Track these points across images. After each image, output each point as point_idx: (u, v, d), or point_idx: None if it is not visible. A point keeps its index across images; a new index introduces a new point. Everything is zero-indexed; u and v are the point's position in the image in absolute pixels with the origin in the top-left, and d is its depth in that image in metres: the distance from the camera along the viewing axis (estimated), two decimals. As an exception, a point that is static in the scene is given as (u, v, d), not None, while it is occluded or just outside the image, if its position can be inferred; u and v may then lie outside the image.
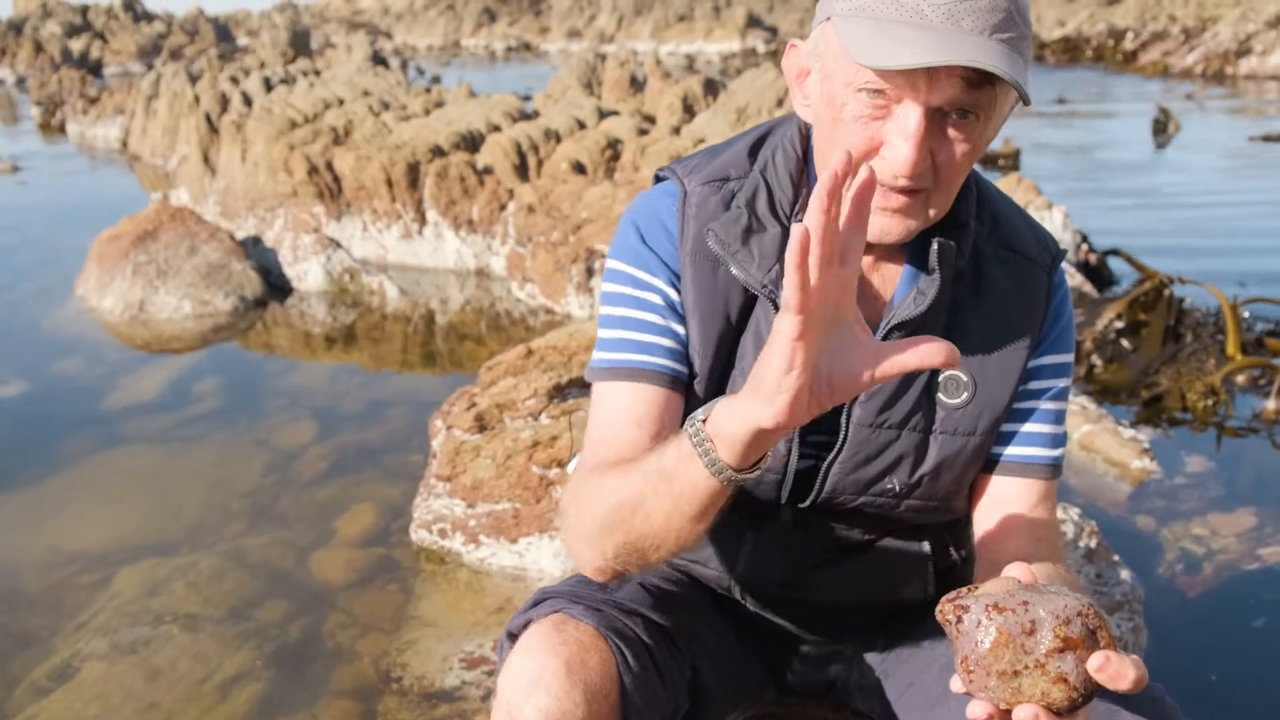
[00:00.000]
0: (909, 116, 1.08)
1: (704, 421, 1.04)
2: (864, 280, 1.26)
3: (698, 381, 1.27)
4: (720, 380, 1.28)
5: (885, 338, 1.23)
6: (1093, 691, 0.89)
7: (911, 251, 1.26)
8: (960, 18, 1.04)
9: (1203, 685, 2.32)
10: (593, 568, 1.20)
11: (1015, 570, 0.98)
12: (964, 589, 0.96)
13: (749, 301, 1.26)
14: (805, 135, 1.30)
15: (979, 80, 1.07)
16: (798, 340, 0.91)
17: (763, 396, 0.95)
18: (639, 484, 1.11)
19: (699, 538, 1.12)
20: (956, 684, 0.94)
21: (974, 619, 0.91)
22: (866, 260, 1.26)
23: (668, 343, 1.27)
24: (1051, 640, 0.89)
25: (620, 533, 1.13)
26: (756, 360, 0.98)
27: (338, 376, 4.44)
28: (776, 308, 1.22)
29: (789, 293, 0.89)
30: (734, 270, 1.24)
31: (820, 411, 0.98)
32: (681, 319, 1.28)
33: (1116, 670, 0.88)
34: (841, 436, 1.28)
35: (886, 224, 1.16)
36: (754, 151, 1.33)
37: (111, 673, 2.35)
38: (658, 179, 1.38)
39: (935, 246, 1.22)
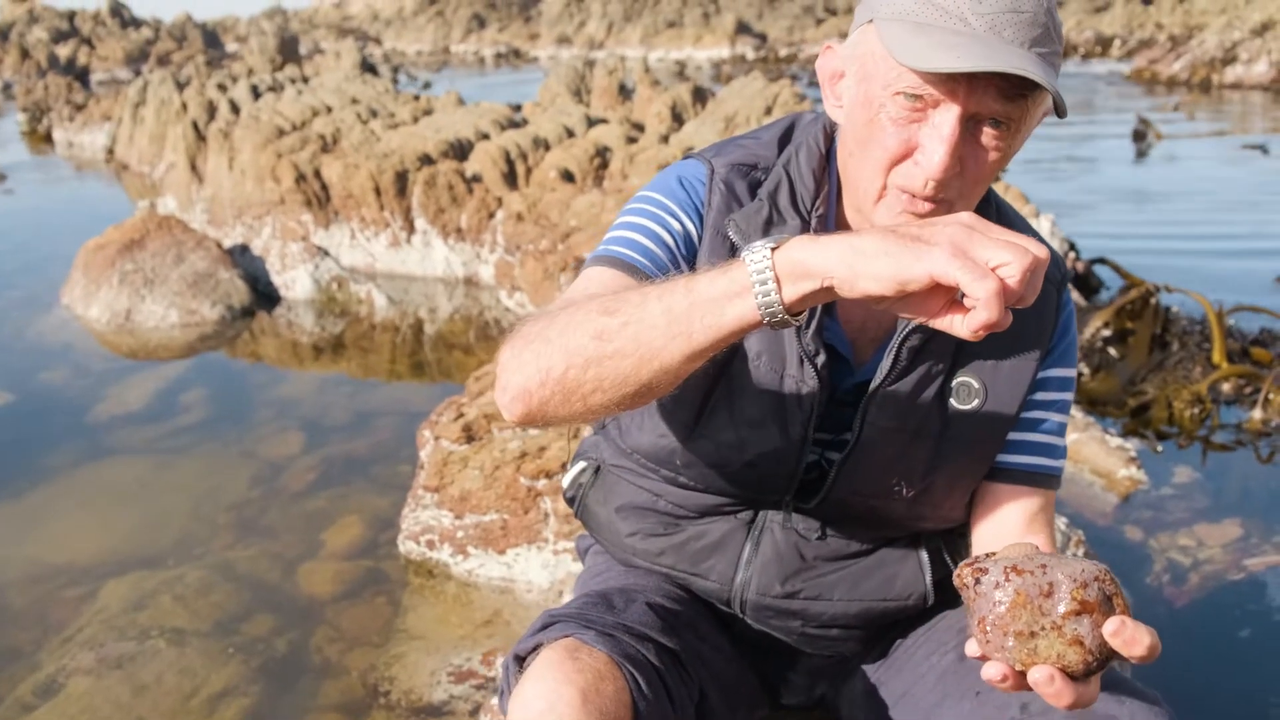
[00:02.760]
0: (945, 121, 1.10)
1: (774, 250, 0.96)
2: None
3: None
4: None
5: (905, 336, 1.27)
6: (1108, 657, 0.90)
7: None
8: (1002, 28, 1.07)
9: (1189, 695, 2.33)
10: (520, 388, 1.09)
11: (1032, 539, 0.98)
12: (981, 554, 0.97)
13: None
14: (829, 134, 1.33)
15: (1015, 91, 1.09)
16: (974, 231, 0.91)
17: (898, 246, 0.90)
18: (647, 298, 1.02)
19: (669, 386, 1.05)
20: (972, 647, 0.95)
21: (992, 580, 0.92)
22: None
23: (668, 264, 1.26)
24: (1069, 603, 0.90)
25: (595, 342, 1.03)
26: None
27: (326, 386, 4.42)
28: None
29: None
30: None
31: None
32: (691, 265, 1.28)
33: (1131, 636, 0.88)
34: (855, 436, 1.30)
35: None
36: (780, 144, 1.36)
37: (97, 688, 2.34)
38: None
39: None
